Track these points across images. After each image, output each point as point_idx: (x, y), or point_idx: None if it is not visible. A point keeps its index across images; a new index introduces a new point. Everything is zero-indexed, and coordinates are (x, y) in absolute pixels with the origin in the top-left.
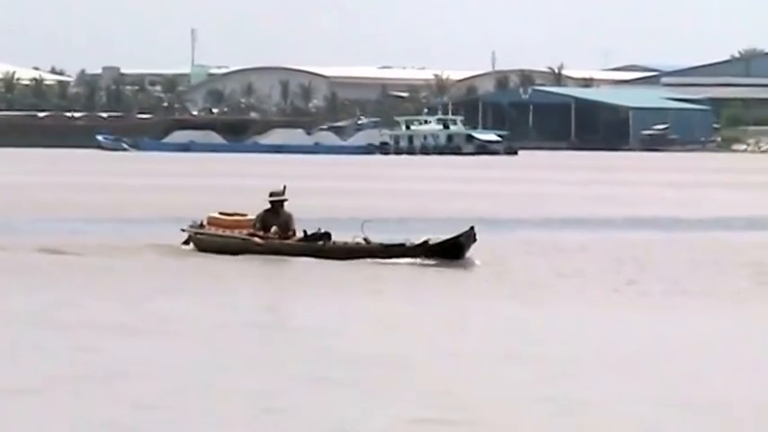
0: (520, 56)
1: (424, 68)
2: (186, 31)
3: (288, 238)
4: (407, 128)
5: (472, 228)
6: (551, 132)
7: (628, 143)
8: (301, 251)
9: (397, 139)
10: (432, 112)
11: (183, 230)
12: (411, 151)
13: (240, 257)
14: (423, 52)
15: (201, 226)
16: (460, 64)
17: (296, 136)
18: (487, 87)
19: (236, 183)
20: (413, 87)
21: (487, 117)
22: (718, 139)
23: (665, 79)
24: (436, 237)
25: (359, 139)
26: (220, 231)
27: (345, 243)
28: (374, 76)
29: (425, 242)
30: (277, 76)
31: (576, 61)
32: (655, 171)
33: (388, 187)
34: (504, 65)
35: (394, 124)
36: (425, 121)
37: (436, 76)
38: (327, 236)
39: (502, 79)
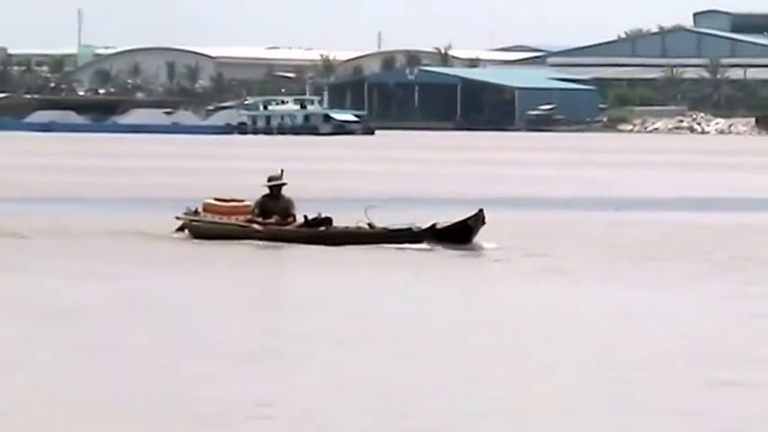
0: (406, 36)
1: (310, 49)
2: (73, 11)
3: (288, 224)
4: (265, 108)
5: (481, 210)
6: (437, 113)
7: (514, 123)
8: (303, 237)
9: (254, 119)
10: (318, 92)
11: (178, 218)
12: (268, 131)
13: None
14: (309, 33)
15: (196, 213)
16: (347, 44)
17: (155, 116)
18: (374, 68)
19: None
20: (299, 68)
21: (373, 97)
22: (605, 119)
23: (551, 59)
24: (445, 220)
25: (217, 119)
26: (216, 218)
27: (347, 228)
28: (261, 56)
29: (433, 226)
30: (164, 56)
31: (462, 41)
32: (524, 150)
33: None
34: (390, 45)
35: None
36: (283, 102)
37: (323, 56)
38: (328, 221)
39: (388, 59)
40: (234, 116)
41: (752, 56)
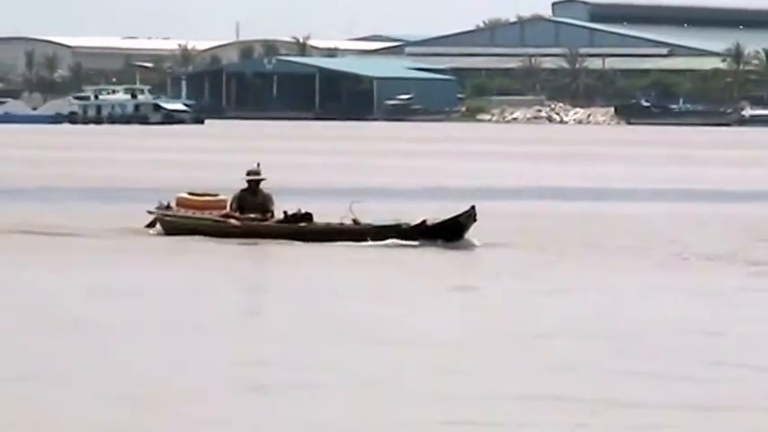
0: (264, 26)
1: (168, 38)
2: None
3: (265, 219)
4: (96, 97)
5: (473, 207)
6: (296, 102)
7: (372, 113)
8: (283, 233)
9: (85, 108)
10: (176, 82)
11: (150, 212)
12: (99, 120)
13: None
14: (168, 22)
15: (168, 207)
16: (205, 34)
17: None
18: (232, 57)
19: None
20: (157, 57)
21: (231, 87)
22: (463, 108)
23: (409, 49)
24: (434, 217)
25: (48, 108)
26: (190, 213)
27: (328, 224)
28: (119, 46)
29: (423, 222)
30: (22, 46)
31: (320, 31)
32: (366, 140)
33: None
34: (248, 35)
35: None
36: (113, 91)
37: (181, 46)
38: (308, 216)
39: (246, 49)
40: (64, 106)
41: (610, 45)
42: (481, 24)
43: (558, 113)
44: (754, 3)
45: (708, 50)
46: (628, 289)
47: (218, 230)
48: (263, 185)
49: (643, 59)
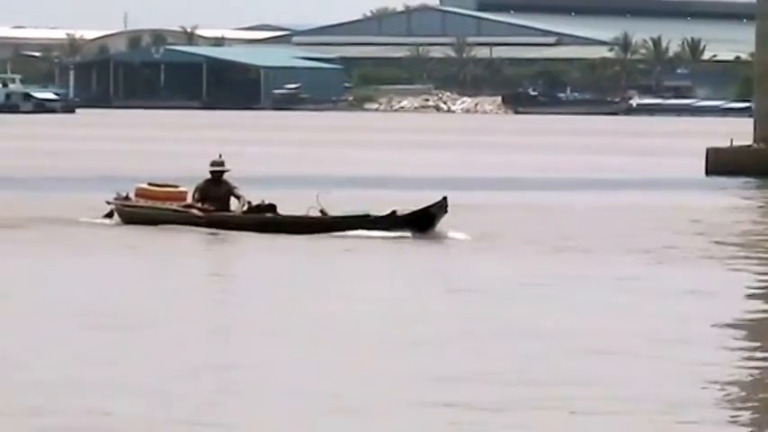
0: (153, 15)
1: (56, 28)
2: None
3: (227, 210)
4: None
5: (445, 198)
6: (183, 92)
7: (260, 102)
8: (249, 224)
9: None
10: (64, 71)
11: (109, 203)
12: None
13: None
14: (56, 12)
15: (127, 198)
16: (93, 24)
17: None
18: (120, 47)
19: None
20: (46, 47)
21: (119, 77)
22: (351, 98)
23: (296, 38)
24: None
25: None
26: (150, 203)
27: (294, 215)
28: (6, 35)
29: (393, 213)
30: None
31: (208, 21)
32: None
33: None
34: (136, 24)
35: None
36: None
37: (69, 35)
38: (272, 207)
39: (134, 39)
40: None
41: (498, 34)
42: (369, 14)
43: (445, 102)
44: None
45: (595, 39)
46: (510, 279)
47: (180, 221)
48: (226, 176)
49: (531, 48)
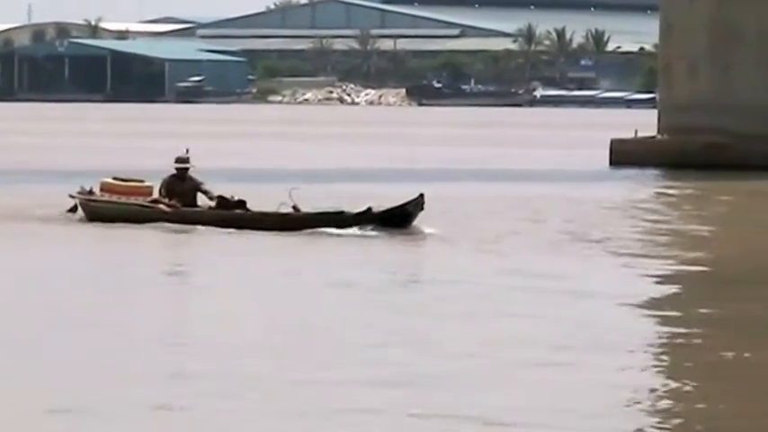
0: (56, 9)
1: None
2: None
3: (194, 206)
4: None
5: (422, 195)
6: (87, 85)
7: (164, 95)
8: (218, 220)
9: None
10: None
11: (72, 197)
12: None
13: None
14: None
15: (90, 192)
16: None
17: None
18: (24, 40)
19: None
20: None
21: (23, 70)
22: (254, 90)
23: (200, 31)
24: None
25: None
26: (115, 198)
27: (265, 212)
28: None
29: (368, 209)
30: None
31: (112, 14)
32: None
33: None
34: (40, 18)
35: None
36: None
37: None
38: (242, 204)
39: (38, 32)
40: None
41: (402, 26)
42: (272, 6)
43: (349, 95)
44: None
45: (499, 31)
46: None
47: (147, 216)
48: (191, 171)
49: (434, 41)
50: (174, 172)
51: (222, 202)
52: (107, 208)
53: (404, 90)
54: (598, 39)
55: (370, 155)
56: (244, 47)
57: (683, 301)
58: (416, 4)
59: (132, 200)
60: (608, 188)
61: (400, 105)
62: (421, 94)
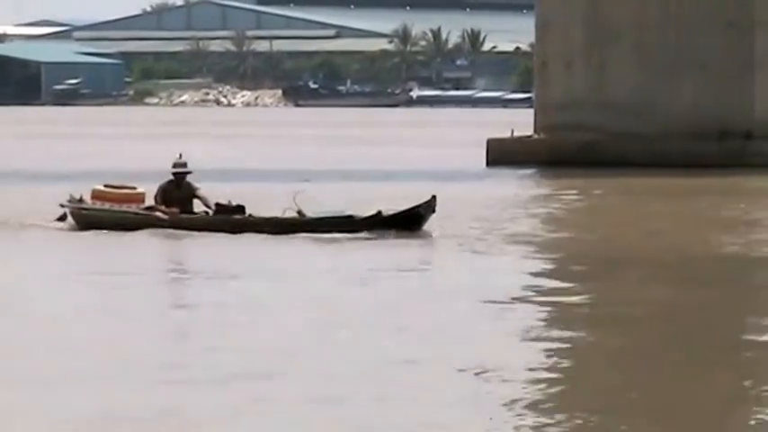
0: None
1: None
2: None
3: (190, 212)
4: None
5: (434, 197)
6: None
7: (40, 98)
8: (219, 226)
9: None
10: None
11: (63, 206)
12: None
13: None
14: None
15: (81, 200)
16: None
17: None
18: None
19: None
20: None
21: None
22: (131, 92)
23: (77, 34)
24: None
25: None
26: (107, 206)
27: (268, 217)
28: None
29: (378, 213)
30: None
31: None
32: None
33: None
34: None
35: None
36: None
37: None
38: (241, 209)
39: None
40: None
41: (277, 28)
42: (148, 8)
43: (225, 96)
44: None
45: (375, 32)
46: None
47: (143, 223)
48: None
49: (310, 41)
50: (171, 177)
51: (220, 208)
52: (101, 216)
53: (280, 91)
54: (474, 38)
55: (245, 155)
56: (120, 49)
57: (543, 290)
58: (292, 5)
59: (125, 207)
60: (484, 187)
61: (276, 106)
62: (297, 95)
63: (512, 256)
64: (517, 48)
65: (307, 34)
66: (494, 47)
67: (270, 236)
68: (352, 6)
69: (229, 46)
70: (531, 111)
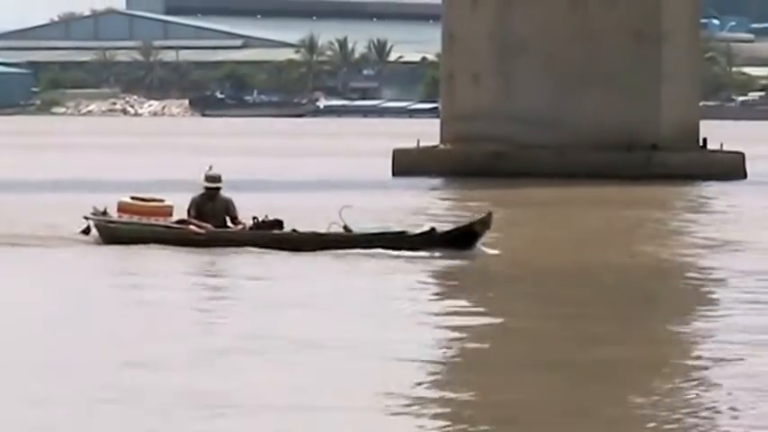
0: None
1: None
2: None
3: (224, 227)
4: None
5: (490, 214)
6: None
7: None
8: (260, 242)
9: None
10: None
11: (87, 218)
12: None
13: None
14: None
15: (104, 213)
16: None
17: None
18: None
19: None
20: None
21: None
22: (38, 102)
23: None
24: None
25: None
26: (135, 219)
27: (314, 232)
28: None
29: (432, 230)
30: None
31: None
32: None
33: None
34: None
35: None
36: None
37: None
38: (279, 223)
39: None
40: None
41: (185, 38)
42: (56, 18)
43: (132, 106)
44: None
45: (282, 42)
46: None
47: (175, 239)
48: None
49: (217, 51)
50: (203, 191)
51: (259, 223)
52: (128, 230)
53: (187, 101)
54: (380, 49)
55: (151, 165)
56: (28, 59)
57: (440, 294)
58: (199, 15)
59: (153, 220)
60: (389, 197)
61: (184, 116)
62: (204, 104)
63: (403, 263)
64: (423, 58)
65: (214, 44)
66: (400, 57)
67: (313, 253)
68: (258, 16)
69: (137, 56)
70: (438, 121)
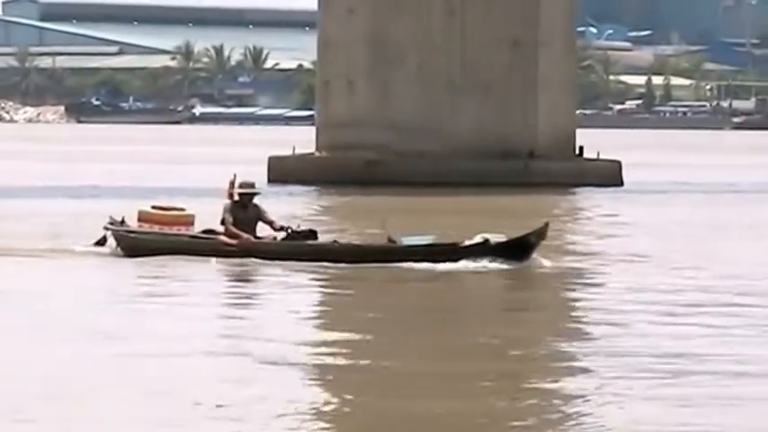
0: None
1: None
2: None
3: (256, 237)
4: None
5: (546, 224)
6: None
7: None
8: (299, 254)
9: None
10: None
11: (107, 228)
12: None
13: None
14: None
15: (122, 223)
16: None
17: None
18: None
19: None
20: None
21: None
22: None
23: None
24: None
25: None
26: (156, 229)
27: (357, 244)
28: None
29: (486, 241)
30: None
31: None
32: None
33: None
34: None
35: None
36: None
37: None
38: (313, 233)
39: None
40: None
41: (60, 44)
42: None
43: (8, 112)
44: (203, 1)
45: (157, 48)
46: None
47: (204, 250)
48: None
49: (93, 58)
50: (236, 198)
51: (292, 234)
52: (151, 240)
53: (63, 107)
54: (256, 56)
55: (24, 171)
56: None
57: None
58: (75, 21)
59: (175, 230)
60: (264, 204)
61: (59, 123)
62: (80, 111)
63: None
64: (299, 65)
65: (89, 51)
66: (276, 64)
67: (355, 265)
68: (134, 23)
69: (12, 62)
70: (314, 129)
